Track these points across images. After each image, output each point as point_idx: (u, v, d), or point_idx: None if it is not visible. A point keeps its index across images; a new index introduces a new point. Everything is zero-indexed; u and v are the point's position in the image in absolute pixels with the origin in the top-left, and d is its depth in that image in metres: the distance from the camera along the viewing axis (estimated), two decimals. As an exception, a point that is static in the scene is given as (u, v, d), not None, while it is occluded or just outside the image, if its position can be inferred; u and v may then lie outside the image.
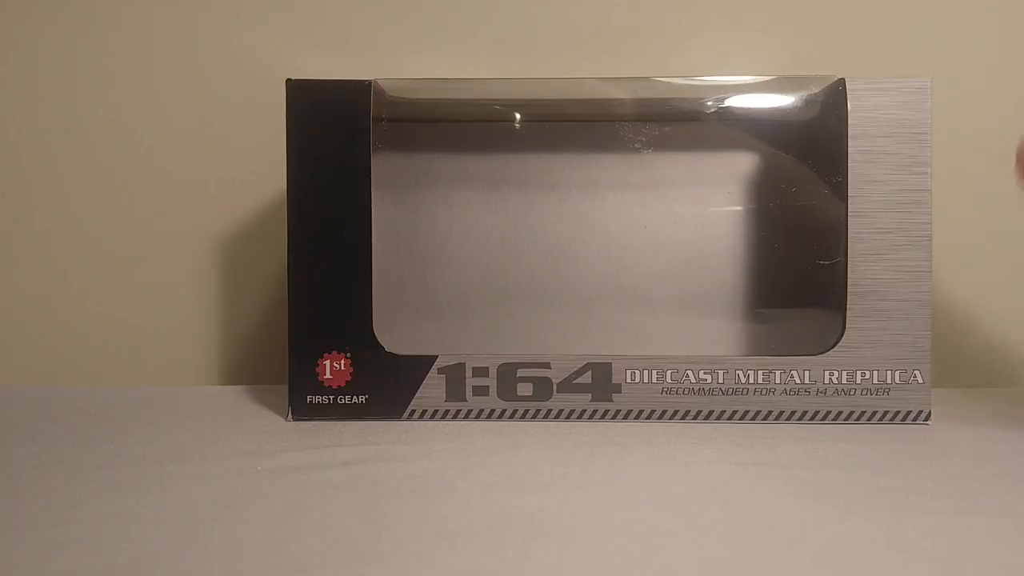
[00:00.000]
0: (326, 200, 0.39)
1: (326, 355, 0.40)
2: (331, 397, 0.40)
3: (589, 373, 0.39)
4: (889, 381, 0.38)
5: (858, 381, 0.39)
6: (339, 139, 0.39)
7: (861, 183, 0.38)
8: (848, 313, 0.38)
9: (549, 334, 0.43)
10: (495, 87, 0.44)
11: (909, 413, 0.39)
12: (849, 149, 0.38)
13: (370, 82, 0.39)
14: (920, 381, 0.38)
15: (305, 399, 0.40)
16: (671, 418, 0.39)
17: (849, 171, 0.38)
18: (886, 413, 0.39)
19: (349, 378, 0.40)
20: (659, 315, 0.42)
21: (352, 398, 0.40)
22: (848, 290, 0.38)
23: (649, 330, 0.42)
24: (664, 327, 0.42)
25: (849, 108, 0.38)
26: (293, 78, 0.39)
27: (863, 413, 0.39)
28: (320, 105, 0.39)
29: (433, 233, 0.43)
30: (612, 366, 0.39)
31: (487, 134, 0.44)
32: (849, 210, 0.38)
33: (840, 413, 0.39)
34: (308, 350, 0.39)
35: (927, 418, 0.39)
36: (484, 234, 0.43)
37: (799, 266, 0.41)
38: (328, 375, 0.40)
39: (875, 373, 0.39)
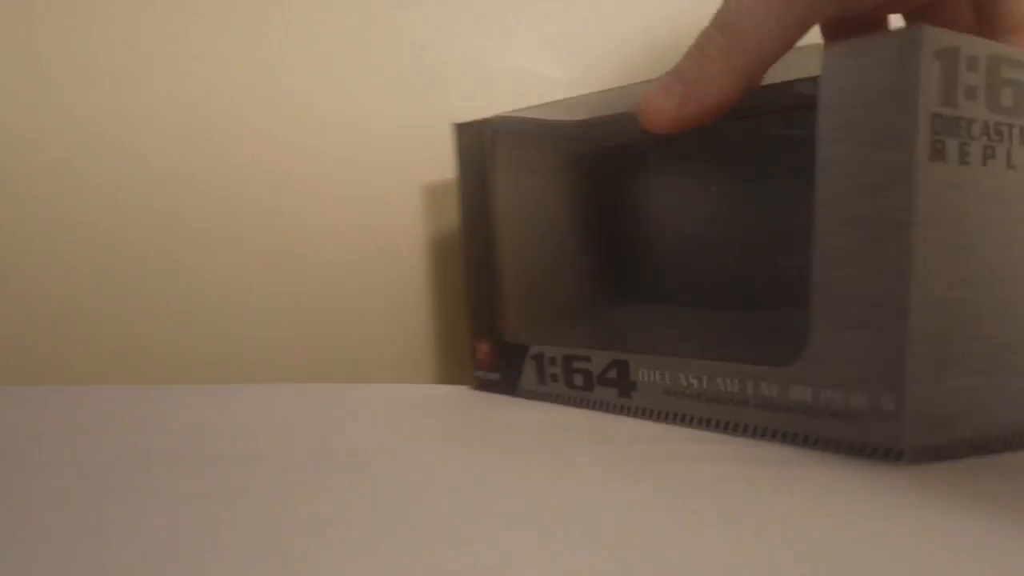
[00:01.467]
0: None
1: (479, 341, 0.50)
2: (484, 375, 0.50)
3: (615, 369, 0.41)
4: (855, 405, 0.30)
5: (821, 400, 0.31)
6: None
7: (830, 164, 0.31)
8: (812, 319, 0.32)
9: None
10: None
11: (877, 450, 0.30)
12: (818, 125, 0.31)
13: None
14: (891, 408, 0.29)
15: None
16: (676, 421, 0.38)
17: (817, 150, 0.31)
18: (852, 445, 0.30)
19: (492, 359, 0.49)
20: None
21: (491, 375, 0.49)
22: (813, 291, 0.32)
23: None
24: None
25: (821, 78, 0.31)
26: (459, 122, 0.50)
27: (829, 441, 0.31)
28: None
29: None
30: (629, 364, 0.40)
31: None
32: (816, 196, 0.31)
33: (807, 437, 0.32)
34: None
35: (899, 457, 0.29)
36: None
37: (762, 261, 0.34)
38: (481, 356, 0.50)
39: (839, 393, 0.31)
